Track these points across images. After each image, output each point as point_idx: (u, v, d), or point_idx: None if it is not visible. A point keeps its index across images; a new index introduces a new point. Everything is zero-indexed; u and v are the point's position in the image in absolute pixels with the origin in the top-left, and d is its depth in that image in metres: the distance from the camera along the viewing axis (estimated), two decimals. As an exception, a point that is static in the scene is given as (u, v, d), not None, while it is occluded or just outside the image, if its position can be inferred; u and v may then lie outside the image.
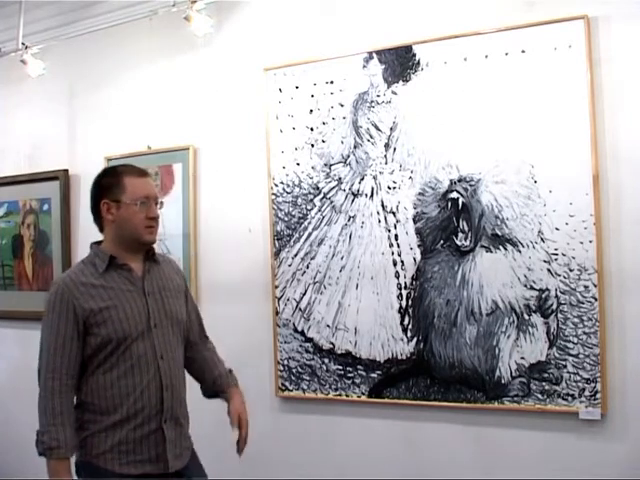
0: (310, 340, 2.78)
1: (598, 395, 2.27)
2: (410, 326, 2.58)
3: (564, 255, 2.32)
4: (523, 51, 2.39)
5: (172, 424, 2.01)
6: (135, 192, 2.01)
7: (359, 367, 2.68)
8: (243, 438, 2.15)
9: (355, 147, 2.69)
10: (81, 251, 3.39)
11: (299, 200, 2.81)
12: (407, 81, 2.59)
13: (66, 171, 3.49)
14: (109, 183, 2.04)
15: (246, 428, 2.16)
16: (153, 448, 1.97)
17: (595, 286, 2.27)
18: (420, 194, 2.56)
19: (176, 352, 2.08)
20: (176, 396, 2.03)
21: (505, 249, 2.41)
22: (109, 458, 1.94)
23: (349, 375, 2.70)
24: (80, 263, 2.07)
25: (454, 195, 2.50)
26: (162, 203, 2.13)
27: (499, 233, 2.42)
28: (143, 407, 1.96)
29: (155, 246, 2.15)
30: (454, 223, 2.50)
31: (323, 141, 2.76)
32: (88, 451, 1.95)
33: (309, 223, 2.79)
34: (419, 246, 2.57)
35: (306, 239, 2.79)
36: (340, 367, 2.72)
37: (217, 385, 2.23)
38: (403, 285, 2.60)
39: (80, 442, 1.96)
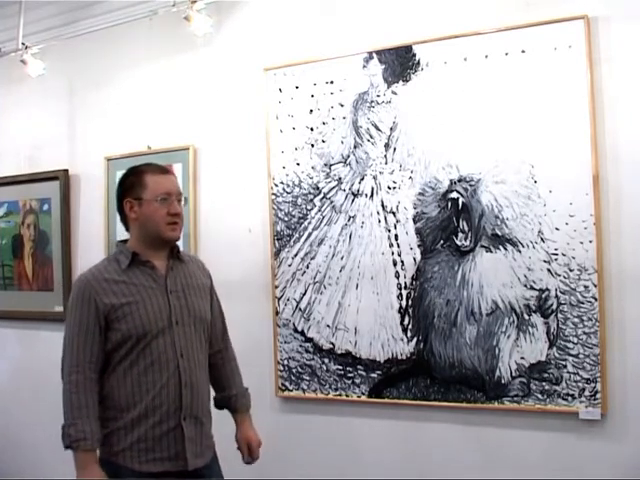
0: (310, 340, 2.78)
1: (598, 395, 2.27)
2: (410, 326, 2.58)
3: (564, 255, 2.32)
4: (523, 51, 2.39)
5: (192, 422, 2.02)
6: (156, 189, 2.04)
7: (359, 367, 2.68)
8: (255, 459, 2.23)
9: (355, 147, 2.69)
10: (81, 251, 3.40)
11: (299, 200, 2.81)
12: (407, 81, 2.59)
13: (66, 171, 3.49)
14: (131, 182, 2.07)
15: (258, 452, 2.23)
16: (172, 446, 1.98)
17: (595, 286, 2.27)
18: (420, 194, 2.56)
19: (198, 351, 2.08)
20: (196, 394, 2.04)
21: (505, 249, 2.41)
22: (128, 456, 1.95)
23: (349, 375, 2.70)
24: (104, 260, 2.11)
25: (454, 195, 2.50)
26: (186, 199, 2.14)
27: (499, 233, 2.42)
28: (161, 404, 1.97)
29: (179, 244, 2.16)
30: (454, 223, 2.50)
31: (323, 141, 2.76)
32: (107, 449, 1.96)
33: (309, 223, 2.79)
34: (419, 246, 2.57)
35: (306, 239, 2.79)
36: (340, 367, 2.72)
37: (232, 404, 2.26)
38: (403, 285, 2.60)
39: (99, 440, 1.97)
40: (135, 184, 2.05)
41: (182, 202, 2.10)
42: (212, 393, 2.22)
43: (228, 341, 2.31)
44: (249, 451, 2.21)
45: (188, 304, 2.07)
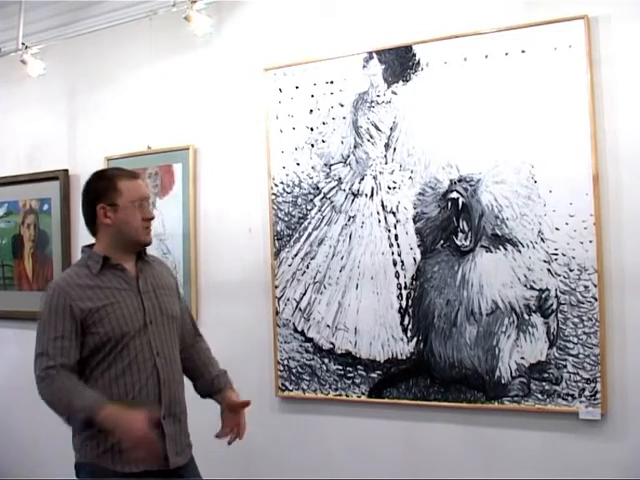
0: (310, 340, 2.78)
1: (598, 395, 2.27)
2: (410, 326, 2.58)
3: (564, 255, 2.32)
4: (523, 51, 2.39)
5: (171, 420, 2.02)
6: (131, 194, 2.04)
7: (359, 367, 2.68)
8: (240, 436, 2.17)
9: (355, 147, 2.69)
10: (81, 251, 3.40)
11: (299, 200, 2.81)
12: (407, 81, 2.59)
13: (66, 171, 3.49)
14: (103, 187, 2.05)
15: (243, 432, 2.17)
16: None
17: (595, 286, 2.27)
18: (420, 194, 2.56)
19: (172, 349, 2.10)
20: (174, 392, 2.05)
21: (505, 249, 2.41)
22: (109, 457, 1.93)
23: (349, 375, 2.70)
24: (74, 266, 2.10)
25: (454, 195, 2.50)
26: (154, 204, 2.15)
27: (499, 233, 2.42)
28: (141, 404, 1.95)
29: (154, 246, 2.16)
30: (454, 223, 2.50)
31: (323, 141, 2.76)
32: (89, 452, 1.95)
33: (309, 223, 2.79)
34: (419, 246, 2.57)
35: (306, 239, 2.79)
36: (340, 367, 2.71)
37: (214, 385, 2.23)
38: (403, 285, 2.60)
39: (80, 443, 1.97)
40: (108, 190, 2.03)
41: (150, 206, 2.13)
42: (188, 391, 2.19)
43: (200, 334, 2.31)
44: (236, 432, 2.15)
45: (160, 304, 2.09)
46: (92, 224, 2.08)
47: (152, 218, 2.10)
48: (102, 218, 2.04)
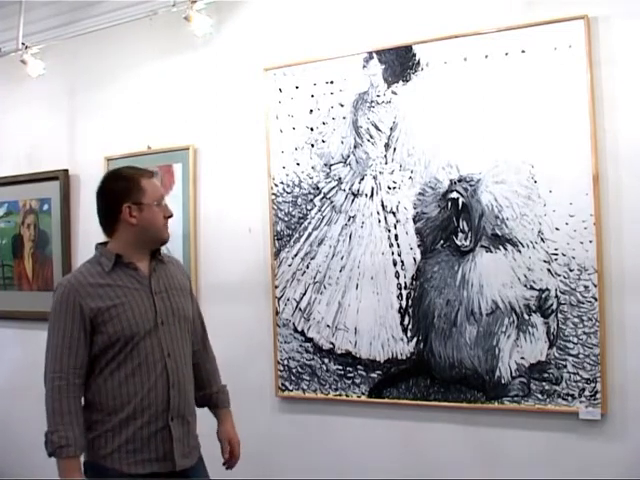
0: (310, 340, 2.78)
1: (598, 395, 2.27)
2: (410, 326, 2.58)
3: (564, 255, 2.32)
4: (523, 51, 2.39)
5: (179, 422, 2.01)
6: (154, 193, 2.05)
7: (359, 367, 2.68)
8: (235, 459, 2.22)
9: (355, 147, 2.69)
10: (81, 251, 3.40)
11: (299, 200, 2.81)
12: (407, 81, 2.59)
13: (66, 171, 3.49)
14: (127, 187, 2.03)
15: (238, 451, 2.23)
16: (160, 447, 1.97)
17: (595, 286, 2.27)
18: (420, 194, 2.56)
19: (184, 349, 2.08)
20: (183, 394, 2.04)
21: (505, 249, 2.41)
22: (116, 458, 1.94)
23: (349, 375, 2.70)
24: (86, 263, 2.07)
25: (454, 195, 2.50)
26: None
27: (499, 233, 2.42)
28: (150, 405, 1.96)
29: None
30: (454, 223, 2.50)
31: (323, 141, 2.76)
32: (95, 451, 1.96)
33: (309, 223, 2.79)
34: (419, 246, 2.57)
35: (306, 239, 2.79)
36: (340, 367, 2.71)
37: (212, 401, 2.25)
38: (403, 285, 2.60)
39: (88, 443, 1.96)
40: (132, 189, 2.02)
41: None
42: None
43: (207, 341, 2.31)
44: (230, 450, 2.21)
45: (172, 304, 2.07)
46: (111, 224, 2.06)
47: (172, 215, 2.12)
48: (127, 217, 2.01)
